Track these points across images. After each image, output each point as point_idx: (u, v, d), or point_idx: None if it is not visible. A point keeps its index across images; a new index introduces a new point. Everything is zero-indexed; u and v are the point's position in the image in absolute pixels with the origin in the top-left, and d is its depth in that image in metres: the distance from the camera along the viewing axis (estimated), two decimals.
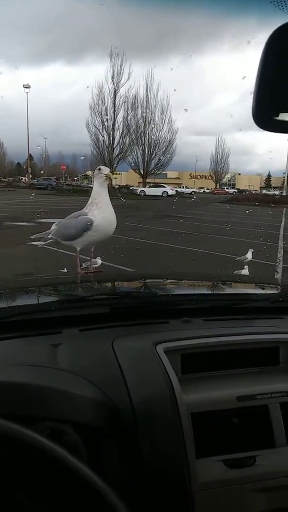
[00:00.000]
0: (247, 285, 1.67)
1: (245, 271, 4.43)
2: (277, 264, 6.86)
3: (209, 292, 1.38)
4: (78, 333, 0.95)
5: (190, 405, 0.72)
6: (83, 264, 2.10)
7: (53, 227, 2.01)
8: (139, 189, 32.37)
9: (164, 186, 33.11)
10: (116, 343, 0.87)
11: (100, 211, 1.80)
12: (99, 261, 2.61)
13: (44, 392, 0.65)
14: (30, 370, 0.75)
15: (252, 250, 5.53)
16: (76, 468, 0.38)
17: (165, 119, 34.14)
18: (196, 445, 0.69)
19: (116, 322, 1.00)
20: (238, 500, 0.66)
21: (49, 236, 2.03)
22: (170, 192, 30.95)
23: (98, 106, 31.74)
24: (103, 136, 32.07)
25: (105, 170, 1.86)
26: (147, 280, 1.71)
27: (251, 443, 0.73)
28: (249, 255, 5.42)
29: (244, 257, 5.45)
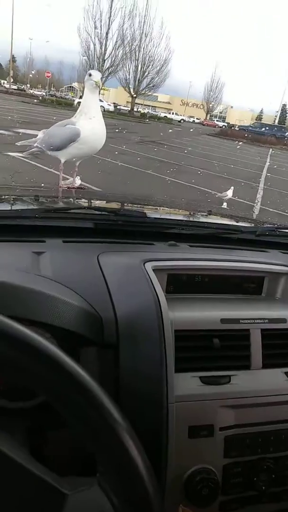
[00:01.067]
0: (233, 217, 1.66)
1: (224, 206, 4.45)
2: (254, 204, 6.90)
3: (196, 220, 1.36)
4: (62, 244, 0.92)
5: (175, 322, 0.73)
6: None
7: (40, 135, 1.87)
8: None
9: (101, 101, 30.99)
10: (101, 257, 0.85)
11: (89, 122, 1.67)
12: (78, 180, 2.51)
13: (24, 292, 0.63)
14: (12, 272, 0.72)
15: (233, 188, 5.50)
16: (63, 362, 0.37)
17: (163, 34, 31.48)
18: (176, 360, 0.71)
19: (101, 238, 0.97)
20: (209, 414, 0.71)
21: (35, 144, 1.90)
22: (107, 106, 28.67)
23: (93, 8, 28.68)
24: (94, 44, 29.46)
25: (96, 75, 1.67)
26: (134, 202, 1.66)
27: (229, 364, 0.76)
28: (229, 193, 5.40)
29: (224, 194, 5.43)
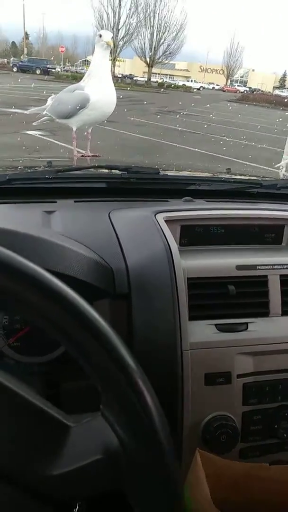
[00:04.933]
0: (252, 176, 1.60)
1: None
2: (279, 171, 6.66)
3: (213, 176, 1.31)
4: (73, 204, 0.91)
5: (187, 270, 0.71)
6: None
7: (49, 101, 1.83)
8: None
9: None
10: (113, 214, 0.83)
11: (99, 86, 1.62)
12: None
13: (36, 241, 0.62)
14: (21, 226, 0.72)
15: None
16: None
17: None
18: (190, 308, 0.70)
19: (114, 197, 0.96)
20: (225, 361, 0.70)
21: (44, 112, 1.87)
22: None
23: None
24: (107, 13, 28.56)
25: (107, 35, 1.60)
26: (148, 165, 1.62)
27: (246, 311, 0.74)
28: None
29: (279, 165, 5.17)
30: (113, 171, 1.06)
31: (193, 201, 0.95)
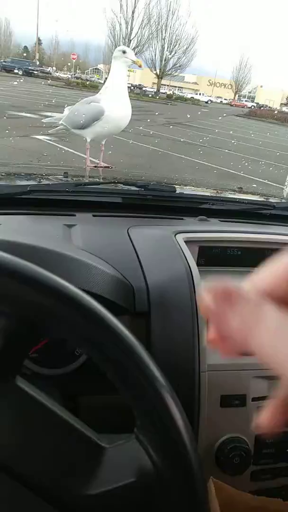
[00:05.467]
0: (265, 195, 1.62)
1: None
2: (284, 187, 6.70)
3: (229, 196, 1.33)
4: (92, 218, 0.92)
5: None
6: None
7: (66, 111, 1.86)
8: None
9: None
10: (132, 230, 0.84)
11: (114, 100, 1.65)
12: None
13: (62, 258, 0.63)
14: (43, 240, 0.73)
15: None
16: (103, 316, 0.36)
17: (190, 12, 30.55)
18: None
19: (130, 213, 0.97)
20: (241, 383, 0.71)
21: (60, 122, 1.90)
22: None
23: None
24: (120, 24, 28.95)
25: (131, 53, 1.63)
26: (161, 180, 1.64)
27: None
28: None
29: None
30: (131, 187, 1.07)
31: (208, 220, 0.96)
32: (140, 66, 1.72)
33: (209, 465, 0.69)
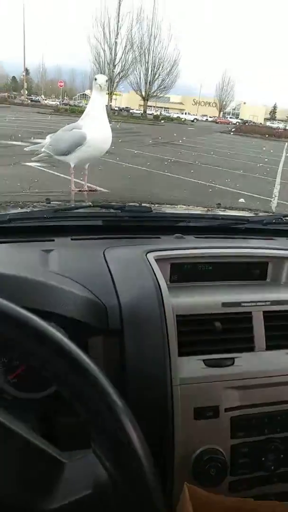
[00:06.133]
0: (242, 210, 1.67)
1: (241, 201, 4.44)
2: (272, 199, 6.82)
3: (203, 213, 1.38)
4: (70, 241, 0.96)
5: (176, 307, 0.75)
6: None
7: (47, 139, 1.92)
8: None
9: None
10: (107, 252, 0.88)
11: (95, 125, 1.71)
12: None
13: (34, 285, 0.66)
14: (21, 268, 0.76)
15: (243, 199, 5.41)
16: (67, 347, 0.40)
17: (171, 35, 31.54)
18: (179, 345, 0.73)
19: (108, 235, 1.00)
20: (213, 395, 0.72)
21: (43, 149, 1.95)
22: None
23: (101, 15, 29.03)
24: (104, 50, 29.75)
25: (100, 78, 1.70)
26: (141, 200, 1.69)
27: (232, 347, 0.77)
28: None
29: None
30: (108, 209, 1.11)
31: (183, 237, 1.00)
32: (103, 90, 1.78)
33: (186, 477, 0.70)
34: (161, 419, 0.69)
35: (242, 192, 6.05)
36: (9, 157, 7.27)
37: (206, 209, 1.53)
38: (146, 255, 0.82)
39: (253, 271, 0.93)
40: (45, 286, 0.66)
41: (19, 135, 10.24)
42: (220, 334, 0.77)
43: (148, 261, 0.81)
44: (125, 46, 30.26)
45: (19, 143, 9.52)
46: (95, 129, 1.71)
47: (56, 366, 0.39)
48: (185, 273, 0.88)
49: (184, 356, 0.73)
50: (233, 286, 0.89)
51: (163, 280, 0.77)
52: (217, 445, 0.72)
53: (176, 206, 1.60)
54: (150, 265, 0.79)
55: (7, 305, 0.39)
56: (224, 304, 0.78)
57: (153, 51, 31.62)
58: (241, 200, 5.21)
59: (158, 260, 0.82)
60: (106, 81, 1.68)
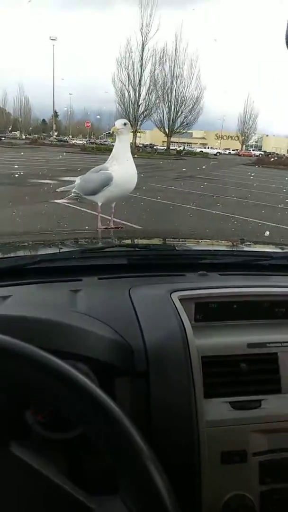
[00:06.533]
0: (266, 244, 1.67)
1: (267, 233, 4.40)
2: None
3: (227, 248, 1.39)
4: (97, 281, 0.99)
5: (201, 348, 0.75)
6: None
7: (77, 180, 2.02)
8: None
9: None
10: (133, 291, 0.90)
11: (120, 167, 1.79)
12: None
13: (62, 328, 0.68)
14: (49, 310, 0.79)
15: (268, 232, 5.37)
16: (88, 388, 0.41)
17: (193, 74, 32.70)
18: (205, 386, 0.73)
19: (134, 273, 1.03)
20: (241, 439, 0.71)
21: (73, 190, 2.05)
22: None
23: (125, 60, 30.64)
24: (128, 92, 31.11)
25: (117, 123, 1.81)
26: (166, 237, 1.72)
27: (258, 388, 0.76)
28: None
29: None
30: (133, 248, 1.15)
31: (207, 275, 1.01)
32: (115, 132, 1.88)
33: None
34: (187, 463, 0.68)
35: (267, 223, 6.01)
36: (39, 195, 7.58)
37: (230, 244, 1.54)
38: (170, 295, 0.84)
39: (278, 310, 0.92)
40: (72, 328, 0.69)
41: (49, 174, 10.70)
42: (246, 376, 0.76)
43: (173, 301, 0.82)
44: (149, 86, 31.59)
45: (49, 181, 9.93)
46: (121, 170, 1.79)
47: (80, 409, 0.40)
48: (209, 312, 0.88)
49: (210, 398, 0.73)
50: (258, 325, 0.89)
51: (188, 320, 0.78)
52: (246, 491, 0.70)
53: (200, 241, 1.62)
54: (175, 305, 0.81)
55: (30, 349, 0.41)
56: (250, 345, 0.78)
57: (175, 90, 32.84)
58: (267, 232, 5.17)
59: (182, 299, 0.84)
60: (125, 124, 1.78)
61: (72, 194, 2.11)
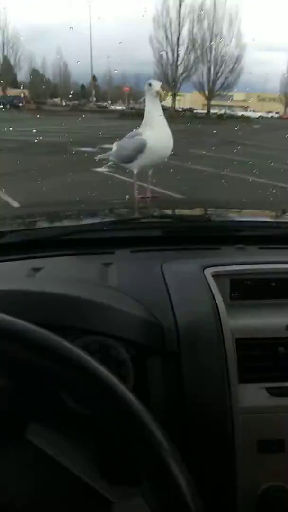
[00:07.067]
0: None
1: None
2: None
3: (268, 219, 1.31)
4: (129, 254, 0.96)
5: (236, 330, 0.71)
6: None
7: (114, 147, 1.97)
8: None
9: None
10: (165, 266, 0.86)
11: (154, 132, 1.71)
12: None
13: (94, 306, 0.67)
14: (81, 286, 0.78)
15: None
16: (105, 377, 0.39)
17: (233, 32, 30.68)
18: (239, 370, 0.69)
19: (167, 246, 0.99)
20: (279, 428, 0.67)
21: (110, 158, 2.01)
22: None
23: (162, 18, 29.12)
24: (166, 53, 29.85)
25: (156, 84, 1.71)
26: (204, 207, 1.66)
27: None
28: None
29: None
30: (167, 219, 1.10)
31: (245, 248, 0.95)
32: (161, 96, 1.77)
33: None
34: (221, 449, 0.65)
35: None
36: (80, 164, 7.57)
37: (271, 214, 1.45)
38: (203, 271, 0.80)
39: None
40: (103, 306, 0.67)
41: (90, 142, 10.63)
42: (285, 360, 0.71)
43: (206, 277, 0.78)
44: (187, 46, 30.10)
45: (89, 149, 9.87)
46: (154, 136, 1.72)
47: (101, 406, 0.38)
48: (246, 289, 0.83)
49: (245, 383, 0.69)
50: None
51: (221, 300, 0.73)
52: (284, 482, 0.66)
53: (239, 211, 1.54)
54: (208, 282, 0.76)
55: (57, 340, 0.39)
56: None
57: (215, 49, 31.09)
58: None
59: (216, 276, 0.79)
60: (161, 86, 1.68)
61: (110, 162, 2.07)
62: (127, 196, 2.53)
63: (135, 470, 0.39)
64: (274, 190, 6.24)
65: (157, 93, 1.68)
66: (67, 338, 0.73)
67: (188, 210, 1.52)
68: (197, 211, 1.55)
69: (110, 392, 0.39)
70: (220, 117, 31.85)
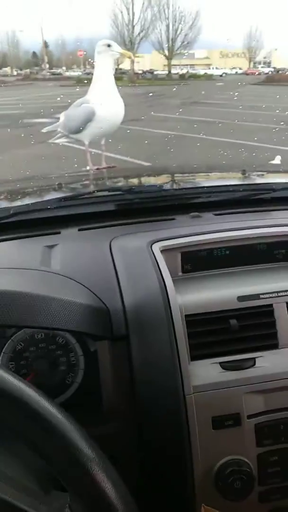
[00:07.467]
0: (271, 174, 1.52)
1: (277, 161, 4.10)
2: None
3: (224, 183, 1.25)
4: (77, 233, 0.89)
5: (185, 306, 0.67)
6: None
7: (61, 118, 1.84)
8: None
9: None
10: (114, 242, 0.80)
11: (102, 98, 1.60)
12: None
13: (33, 301, 0.60)
14: (21, 276, 0.71)
15: (280, 157, 5.03)
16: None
17: None
18: (191, 348, 0.65)
19: (118, 221, 0.93)
20: (233, 402, 0.65)
21: (58, 129, 1.88)
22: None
23: None
24: (121, 12, 28.50)
25: (116, 46, 1.56)
26: (159, 175, 1.58)
27: (252, 345, 0.69)
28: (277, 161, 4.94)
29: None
30: (116, 192, 1.03)
31: (200, 216, 0.91)
32: (130, 58, 1.65)
33: (209, 492, 0.64)
34: (175, 431, 0.62)
35: (279, 148, 5.66)
36: (33, 136, 7.23)
37: (229, 177, 1.40)
38: (151, 247, 0.74)
39: (277, 252, 0.81)
40: (43, 300, 0.60)
41: (44, 112, 10.15)
42: (237, 333, 0.68)
43: (153, 253, 0.72)
44: (143, 3, 28.83)
45: (43, 120, 9.43)
46: (104, 103, 1.60)
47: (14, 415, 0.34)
48: (198, 261, 0.79)
49: (197, 360, 0.66)
50: (252, 272, 0.79)
51: (169, 276, 0.68)
52: (242, 455, 0.65)
53: (195, 176, 1.48)
54: (155, 258, 0.71)
55: None
56: (240, 298, 0.69)
57: (172, 5, 29.92)
58: (277, 157, 4.85)
59: (165, 251, 0.74)
60: (108, 45, 1.54)
61: (59, 134, 1.95)
62: (83, 168, 2.42)
63: (61, 482, 0.36)
64: (242, 149, 6.19)
65: (122, 55, 1.54)
66: (7, 333, 0.68)
67: (141, 180, 1.44)
68: (159, 179, 1.47)
69: (22, 404, 0.34)
70: (182, 76, 31.07)
